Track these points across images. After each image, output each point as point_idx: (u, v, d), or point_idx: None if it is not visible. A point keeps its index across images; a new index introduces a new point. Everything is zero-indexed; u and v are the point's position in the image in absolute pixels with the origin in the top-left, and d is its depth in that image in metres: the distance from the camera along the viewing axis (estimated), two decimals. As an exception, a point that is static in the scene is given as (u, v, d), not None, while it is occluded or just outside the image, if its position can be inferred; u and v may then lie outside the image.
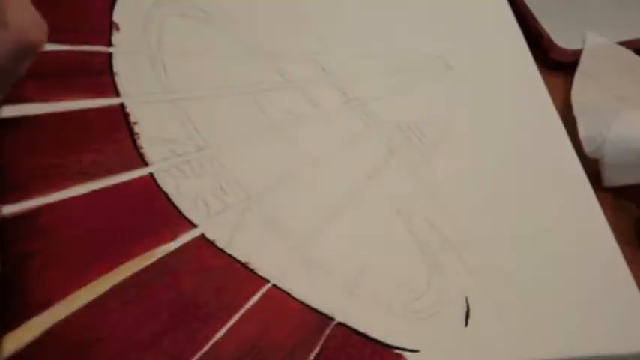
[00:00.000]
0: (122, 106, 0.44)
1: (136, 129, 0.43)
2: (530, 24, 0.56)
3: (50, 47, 0.46)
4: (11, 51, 0.33)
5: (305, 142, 0.45)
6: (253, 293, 0.38)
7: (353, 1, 0.54)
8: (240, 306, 0.38)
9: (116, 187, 0.41)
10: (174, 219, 0.40)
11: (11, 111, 0.42)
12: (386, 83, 0.50)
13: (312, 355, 0.37)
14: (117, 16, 0.48)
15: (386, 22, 0.53)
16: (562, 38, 0.55)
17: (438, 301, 0.40)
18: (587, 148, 0.48)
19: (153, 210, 0.40)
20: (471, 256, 0.42)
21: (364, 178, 0.44)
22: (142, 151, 0.42)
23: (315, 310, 0.38)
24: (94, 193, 0.40)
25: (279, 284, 0.39)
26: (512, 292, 0.41)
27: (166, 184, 0.41)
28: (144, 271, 0.38)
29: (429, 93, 0.50)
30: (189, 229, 0.40)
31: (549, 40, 0.55)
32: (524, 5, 0.57)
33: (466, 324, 0.39)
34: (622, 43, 0.55)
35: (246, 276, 0.39)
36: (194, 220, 0.40)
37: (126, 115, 0.44)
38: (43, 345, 0.35)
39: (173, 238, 0.39)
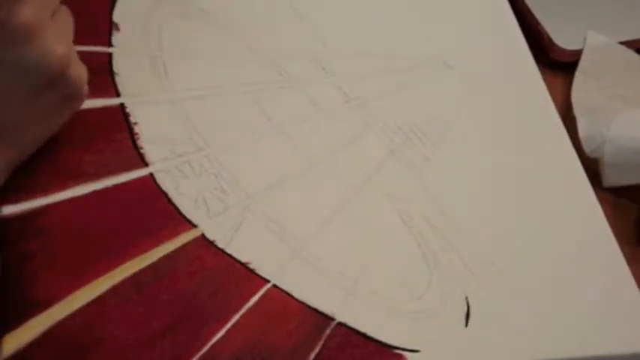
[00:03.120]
0: (122, 106, 0.44)
1: (136, 129, 0.43)
2: (530, 24, 0.56)
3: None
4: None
5: (305, 142, 0.45)
6: (253, 293, 0.38)
7: (353, 0, 0.54)
8: (240, 306, 0.38)
9: (116, 187, 0.41)
10: (175, 219, 0.40)
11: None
12: (386, 83, 0.49)
13: (313, 355, 0.37)
14: (117, 16, 0.48)
15: (386, 22, 0.53)
16: (562, 38, 0.55)
17: (438, 302, 0.40)
18: (587, 148, 0.48)
19: (153, 210, 0.40)
20: (471, 256, 0.42)
21: (364, 178, 0.44)
22: (142, 151, 0.42)
23: (316, 310, 0.38)
24: (94, 193, 0.40)
25: (280, 284, 0.39)
26: (513, 292, 0.41)
27: (166, 184, 0.41)
28: (143, 271, 0.38)
29: (430, 93, 0.50)
30: (189, 229, 0.40)
31: (549, 40, 0.55)
32: (525, 5, 0.57)
33: (466, 324, 0.39)
34: (622, 43, 0.55)
35: (247, 276, 0.39)
36: (194, 220, 0.40)
37: (126, 116, 0.44)
38: (42, 345, 0.34)
39: (173, 238, 0.39)
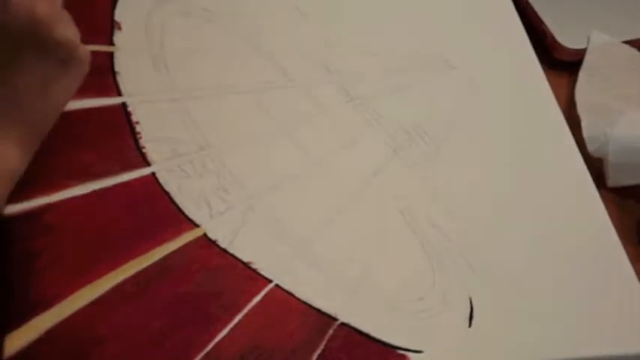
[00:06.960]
0: (124, 105, 0.44)
1: (138, 128, 0.43)
2: (534, 23, 0.56)
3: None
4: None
5: (308, 142, 0.45)
6: (256, 293, 0.38)
7: (356, 0, 0.54)
8: (242, 306, 0.37)
9: (118, 186, 0.41)
10: (177, 219, 0.40)
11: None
12: (389, 83, 0.49)
13: (315, 356, 0.36)
14: (118, 15, 0.48)
15: (389, 22, 0.53)
16: (566, 38, 0.55)
17: (441, 302, 0.40)
18: (591, 148, 0.48)
19: (155, 209, 0.40)
20: (475, 256, 0.42)
21: (367, 178, 0.44)
22: (143, 150, 0.42)
23: (318, 311, 0.38)
24: (96, 192, 0.40)
25: (282, 284, 0.39)
26: (516, 292, 0.40)
27: (168, 183, 0.41)
28: (146, 270, 0.38)
29: (432, 92, 0.50)
30: (192, 228, 0.40)
31: (553, 40, 0.54)
32: (529, 5, 0.56)
33: (470, 324, 0.39)
34: (626, 43, 0.55)
35: (249, 276, 0.39)
36: (196, 219, 0.40)
37: (128, 115, 0.44)
38: (45, 344, 0.34)
39: (175, 237, 0.39)
